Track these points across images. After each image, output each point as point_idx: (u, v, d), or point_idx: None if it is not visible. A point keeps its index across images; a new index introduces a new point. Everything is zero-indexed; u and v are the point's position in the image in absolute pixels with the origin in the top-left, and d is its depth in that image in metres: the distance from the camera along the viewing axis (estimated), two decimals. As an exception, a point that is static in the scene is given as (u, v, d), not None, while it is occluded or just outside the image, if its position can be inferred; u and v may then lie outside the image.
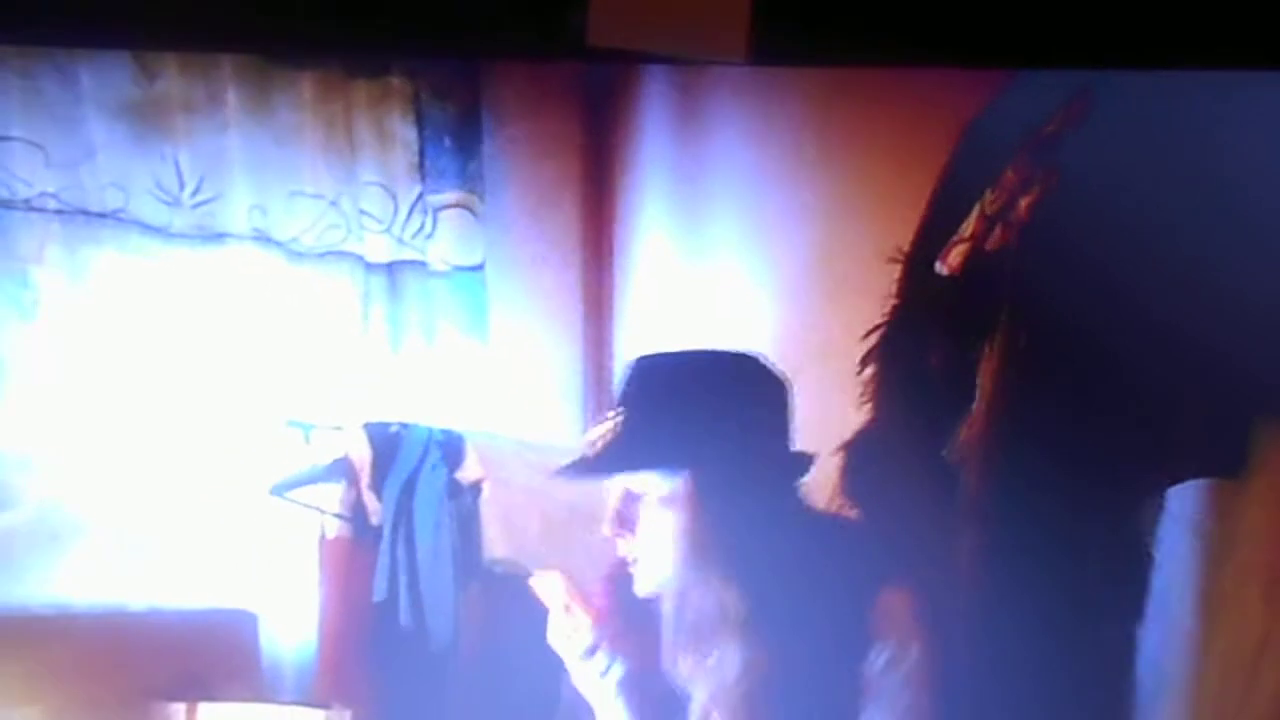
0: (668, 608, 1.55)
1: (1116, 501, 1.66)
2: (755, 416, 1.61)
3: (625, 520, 1.60)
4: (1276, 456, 1.55)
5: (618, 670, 1.56)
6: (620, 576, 1.64)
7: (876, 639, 1.50)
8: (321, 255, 2.44)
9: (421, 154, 2.50)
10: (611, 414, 1.61)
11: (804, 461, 1.67)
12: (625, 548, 1.61)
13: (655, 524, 1.56)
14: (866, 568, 1.54)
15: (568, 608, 1.62)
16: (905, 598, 1.52)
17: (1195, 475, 1.60)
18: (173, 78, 2.30)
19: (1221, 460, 1.58)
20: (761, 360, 1.64)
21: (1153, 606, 1.63)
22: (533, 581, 1.67)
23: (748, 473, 1.56)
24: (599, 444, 1.61)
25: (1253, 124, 1.64)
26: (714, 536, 1.52)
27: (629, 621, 1.60)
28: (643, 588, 1.60)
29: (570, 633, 1.61)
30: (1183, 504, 1.61)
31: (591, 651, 1.59)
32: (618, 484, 1.60)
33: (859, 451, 1.85)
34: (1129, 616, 1.65)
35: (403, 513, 2.29)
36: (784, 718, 1.49)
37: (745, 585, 1.50)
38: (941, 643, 1.52)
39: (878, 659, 1.49)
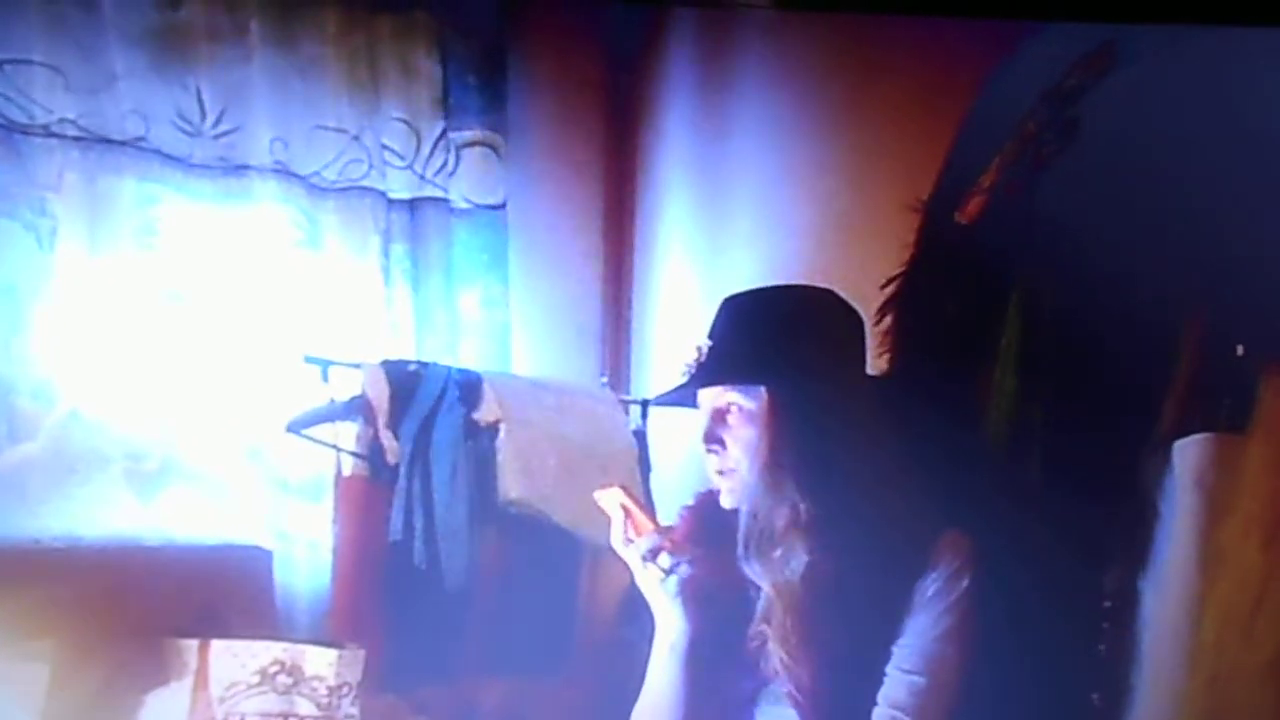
0: (746, 510, 1.75)
1: (1123, 453, 1.78)
2: (828, 342, 1.81)
3: (715, 437, 1.78)
4: (1278, 411, 1.68)
5: (681, 573, 1.75)
6: (698, 498, 1.84)
7: (933, 567, 1.70)
8: (343, 190, 2.56)
9: (445, 90, 2.62)
10: (700, 344, 1.82)
11: (880, 385, 1.88)
12: (715, 463, 1.79)
13: (741, 439, 1.76)
14: (936, 502, 1.74)
15: (627, 513, 1.80)
16: (965, 540, 1.71)
17: (1200, 429, 1.73)
18: (196, 6, 2.40)
19: (1226, 414, 1.71)
20: (836, 294, 1.83)
21: (1155, 557, 1.77)
22: (596, 494, 1.84)
23: (823, 392, 1.76)
24: (687, 370, 1.82)
25: (1273, 82, 1.75)
26: (791, 449, 1.72)
27: (696, 533, 1.79)
28: (728, 500, 1.79)
29: (632, 537, 1.79)
30: (1187, 457, 1.73)
31: (653, 555, 1.76)
32: (707, 405, 1.80)
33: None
34: (1132, 567, 1.79)
35: (420, 452, 2.38)
36: (837, 616, 1.70)
37: (816, 495, 1.70)
38: (986, 582, 1.71)
39: (930, 584, 1.69)
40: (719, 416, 1.77)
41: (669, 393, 1.84)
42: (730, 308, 1.82)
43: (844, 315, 1.82)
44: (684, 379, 1.80)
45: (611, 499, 1.80)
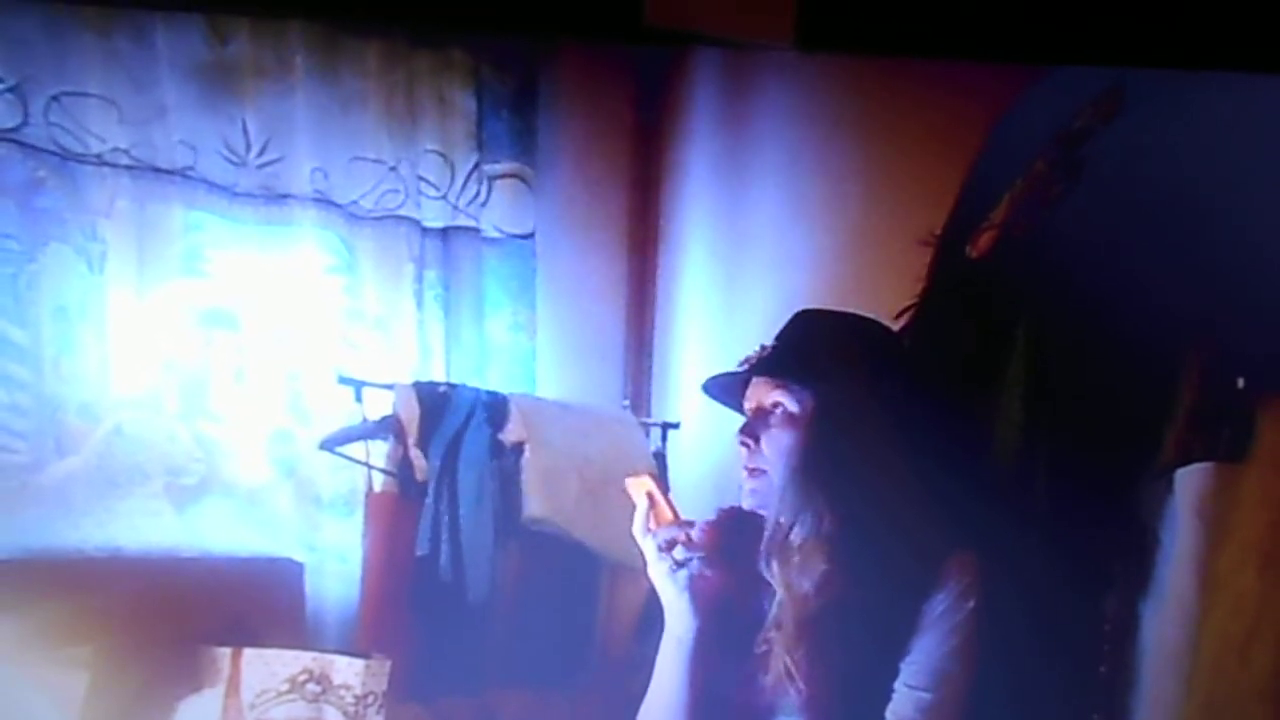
0: (771, 515, 1.76)
1: (1126, 481, 1.78)
2: (879, 366, 1.83)
3: (752, 433, 1.79)
4: (1277, 442, 1.68)
5: (693, 568, 1.75)
6: (719, 514, 1.83)
7: (942, 587, 1.70)
8: (380, 219, 2.58)
9: (480, 124, 2.64)
10: (765, 343, 1.86)
11: (911, 412, 1.90)
12: (745, 456, 1.80)
13: (778, 440, 1.77)
14: (947, 524, 1.74)
15: (652, 502, 1.79)
16: (973, 560, 1.72)
17: (1201, 459, 1.73)
18: (244, 42, 2.43)
19: (1226, 444, 1.71)
20: (886, 325, 1.90)
21: (1156, 583, 1.77)
22: (627, 480, 1.84)
23: (865, 408, 1.77)
24: (743, 363, 1.85)
25: (1273, 126, 1.76)
26: (825, 457, 1.73)
27: (715, 543, 1.78)
28: (748, 500, 1.80)
29: (652, 526, 1.78)
30: (1187, 486, 1.73)
31: (669, 546, 1.76)
32: (754, 401, 1.81)
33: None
34: (1134, 591, 1.79)
35: (447, 470, 2.40)
36: (846, 629, 1.70)
37: (842, 507, 1.71)
38: (991, 603, 1.71)
39: (939, 604, 1.70)
40: (762, 414, 1.78)
41: (722, 374, 1.87)
42: (801, 319, 1.86)
43: (895, 346, 1.90)
44: (739, 369, 1.83)
45: (639, 486, 1.80)
